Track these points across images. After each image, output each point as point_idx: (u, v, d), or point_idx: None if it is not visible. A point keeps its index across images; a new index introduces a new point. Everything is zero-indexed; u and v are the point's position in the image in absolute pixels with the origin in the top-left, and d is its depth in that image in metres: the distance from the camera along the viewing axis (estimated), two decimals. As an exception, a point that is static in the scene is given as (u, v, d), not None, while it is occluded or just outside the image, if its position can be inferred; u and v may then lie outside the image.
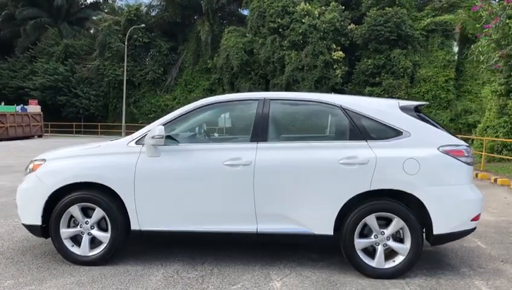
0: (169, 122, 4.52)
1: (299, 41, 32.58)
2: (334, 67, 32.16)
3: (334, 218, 4.22)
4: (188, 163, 4.38)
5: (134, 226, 4.41)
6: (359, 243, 4.24)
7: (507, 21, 13.47)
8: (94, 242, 4.53)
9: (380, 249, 4.23)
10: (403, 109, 4.43)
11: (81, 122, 38.94)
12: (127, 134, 23.16)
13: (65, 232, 4.49)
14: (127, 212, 4.41)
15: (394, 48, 30.70)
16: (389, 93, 30.03)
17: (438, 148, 4.21)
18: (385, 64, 30.71)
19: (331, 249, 4.89)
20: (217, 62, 36.31)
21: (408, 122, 4.33)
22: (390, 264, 4.24)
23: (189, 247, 5.03)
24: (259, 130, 4.41)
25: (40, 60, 39.89)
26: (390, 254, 4.27)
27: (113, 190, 4.40)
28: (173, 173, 4.37)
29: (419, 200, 4.14)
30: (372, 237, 4.25)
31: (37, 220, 4.50)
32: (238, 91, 35.16)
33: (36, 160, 4.65)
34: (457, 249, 5.16)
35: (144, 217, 4.38)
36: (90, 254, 4.48)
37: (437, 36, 31.17)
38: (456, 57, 31.27)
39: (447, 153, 4.20)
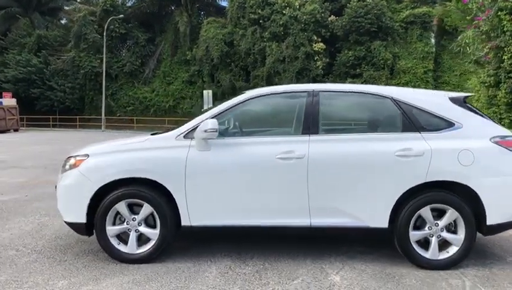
0: (217, 115, 4.40)
1: (279, 32, 32.54)
2: (315, 58, 32.28)
3: (389, 211, 4.20)
4: (240, 157, 4.28)
5: (184, 221, 4.30)
6: (414, 235, 4.24)
7: (498, 13, 13.71)
8: (140, 239, 4.40)
9: (434, 241, 4.25)
10: (453, 100, 4.45)
11: (56, 115, 37.97)
12: (107, 127, 22.74)
13: (111, 229, 4.35)
14: (176, 208, 4.29)
15: (374, 39, 31.03)
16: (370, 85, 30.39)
17: (490, 139, 4.24)
18: (366, 56, 31.00)
19: (374, 242, 4.90)
20: (196, 54, 35.94)
21: (459, 113, 4.35)
22: (444, 255, 4.26)
23: (231, 242, 4.93)
24: (310, 122, 4.35)
25: (11, 52, 38.66)
26: (443, 244, 4.30)
27: (161, 185, 4.27)
28: (225, 167, 4.27)
29: (473, 191, 4.17)
30: (426, 228, 4.26)
31: (82, 218, 4.33)
32: (218, 83, 34.95)
33: (78, 155, 4.47)
34: (493, 239, 5.23)
35: (195, 212, 4.27)
36: (138, 251, 4.35)
37: (416, 28, 31.62)
38: (434, 49, 31.85)
39: (498, 143, 4.24)
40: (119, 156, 4.37)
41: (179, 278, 3.98)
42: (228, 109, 4.46)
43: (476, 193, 4.17)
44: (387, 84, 30.78)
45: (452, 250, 4.25)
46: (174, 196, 4.27)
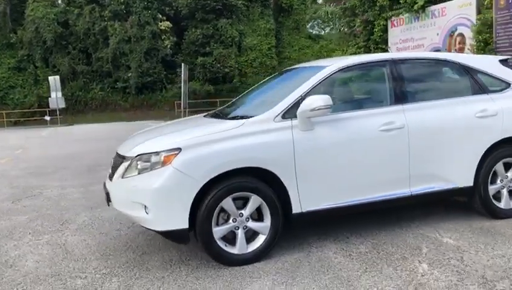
0: (310, 90, 4.06)
1: (121, 11, 30.79)
2: (163, 38, 31.39)
3: (474, 169, 4.44)
4: (346, 133, 4.05)
5: (296, 209, 3.91)
6: (491, 189, 4.56)
7: (371, -11, 15.13)
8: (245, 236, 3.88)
9: (505, 192, 4.63)
10: (501, 62, 4.85)
11: None
12: None
13: (218, 231, 3.73)
14: (285, 196, 3.89)
15: (220, 17, 31.37)
16: (220, 63, 30.76)
17: None
18: (214, 34, 31.22)
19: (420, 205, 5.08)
20: (23, 36, 31.75)
21: (511, 74, 4.78)
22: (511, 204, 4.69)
23: (306, 225, 4.63)
24: (399, 91, 4.31)
25: None
26: (510, 194, 4.71)
27: (267, 173, 3.82)
28: (333, 144, 3.99)
29: None
30: (498, 181, 4.62)
31: (184, 223, 3.62)
32: (54, 67, 31.63)
33: (164, 151, 3.67)
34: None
35: (306, 198, 3.92)
36: (249, 250, 3.83)
37: (257, 6, 32.93)
38: (274, 26, 33.58)
39: None
40: (219, 146, 3.73)
41: (320, 269, 3.61)
42: (319, 83, 4.14)
43: None
44: (236, 61, 31.63)
45: (517, 199, 4.71)
46: (284, 183, 3.85)
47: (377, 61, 4.51)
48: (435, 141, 4.30)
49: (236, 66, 31.50)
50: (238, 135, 3.80)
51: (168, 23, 31.21)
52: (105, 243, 4.51)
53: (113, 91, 31.84)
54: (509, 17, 11.04)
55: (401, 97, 4.30)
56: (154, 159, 3.68)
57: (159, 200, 3.61)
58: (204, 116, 4.89)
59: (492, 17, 11.41)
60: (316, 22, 43.21)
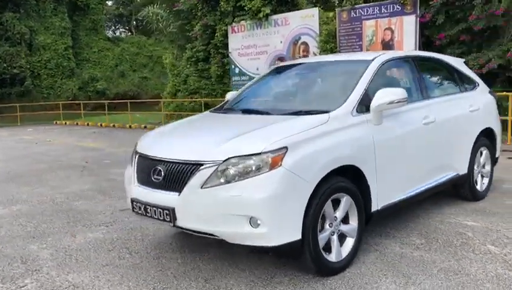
0: (369, 85, 3.89)
1: None
2: None
3: (469, 157, 4.92)
4: (406, 126, 4.01)
5: (374, 207, 3.70)
6: (475, 174, 5.12)
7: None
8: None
9: (480, 177, 5.22)
10: (465, 63, 5.49)
11: None
12: None
13: (321, 239, 3.25)
14: (366, 193, 3.66)
15: (5, 10, 27.22)
16: (7, 62, 26.62)
17: (489, 92, 5.54)
18: (-3, 29, 26.87)
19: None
20: None
21: (474, 74, 5.45)
22: (483, 186, 5.30)
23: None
24: (426, 86, 4.51)
25: None
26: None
27: (355, 171, 3.54)
28: (398, 138, 3.90)
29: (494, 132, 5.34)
30: (476, 168, 5.15)
31: (297, 234, 3.05)
32: None
33: (270, 151, 3.00)
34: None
35: (382, 194, 3.71)
36: (343, 256, 3.46)
37: (48, 1, 29.57)
38: (70, 25, 30.71)
39: (492, 94, 5.59)
40: (320, 143, 3.20)
41: (417, 265, 3.44)
42: (374, 76, 4.00)
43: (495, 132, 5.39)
44: (27, 61, 27.91)
45: (486, 181, 5.38)
46: (368, 180, 3.62)
47: (410, 57, 4.63)
48: (450, 133, 4.62)
49: (28, 66, 27.75)
50: (330, 131, 3.40)
51: None
52: (136, 276, 3.49)
53: None
54: (351, 29, 12.50)
55: (427, 92, 4.52)
56: (256, 161, 3.02)
57: (274, 209, 2.97)
58: (221, 113, 4.36)
59: (336, 29, 12.74)
60: (107, 24, 41.26)
